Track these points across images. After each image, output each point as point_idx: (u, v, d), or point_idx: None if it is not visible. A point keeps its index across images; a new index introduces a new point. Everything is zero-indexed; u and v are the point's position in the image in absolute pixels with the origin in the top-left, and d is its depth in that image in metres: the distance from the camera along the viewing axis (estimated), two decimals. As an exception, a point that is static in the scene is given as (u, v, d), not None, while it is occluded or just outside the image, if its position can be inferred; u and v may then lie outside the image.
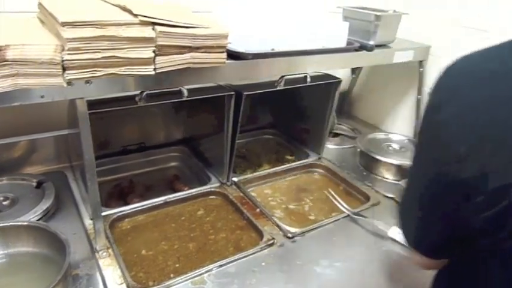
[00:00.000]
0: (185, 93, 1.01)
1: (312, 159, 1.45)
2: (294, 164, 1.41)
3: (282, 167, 1.38)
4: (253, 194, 1.25)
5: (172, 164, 1.41)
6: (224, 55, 0.95)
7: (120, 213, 1.07)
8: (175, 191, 1.22)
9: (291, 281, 0.90)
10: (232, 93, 1.10)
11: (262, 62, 1.07)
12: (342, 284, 0.92)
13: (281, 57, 1.11)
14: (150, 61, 0.85)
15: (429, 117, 0.57)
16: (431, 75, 1.53)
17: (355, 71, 1.82)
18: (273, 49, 1.12)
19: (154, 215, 1.11)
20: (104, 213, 1.04)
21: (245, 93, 1.11)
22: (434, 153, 0.56)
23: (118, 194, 1.22)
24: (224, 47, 0.94)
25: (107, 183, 1.25)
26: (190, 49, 0.90)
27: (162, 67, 0.87)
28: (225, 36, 0.93)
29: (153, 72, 0.86)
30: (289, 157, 1.49)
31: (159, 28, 0.83)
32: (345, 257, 1.01)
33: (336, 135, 1.69)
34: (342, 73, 1.81)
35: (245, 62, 1.04)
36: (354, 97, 1.91)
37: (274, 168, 1.37)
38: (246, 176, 1.30)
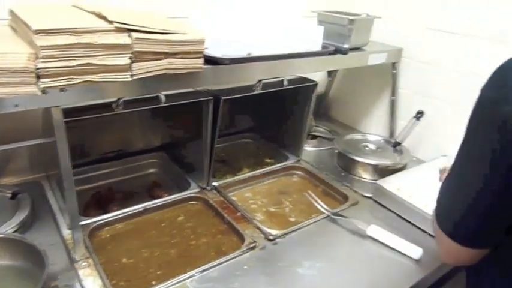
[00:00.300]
0: (163, 99, 1.01)
1: (291, 161, 1.46)
2: (273, 167, 1.42)
3: (262, 170, 1.39)
4: (233, 198, 1.25)
5: (152, 170, 1.40)
6: (201, 60, 0.95)
7: (99, 222, 1.06)
8: (155, 197, 1.21)
9: (273, 283, 0.91)
10: (211, 98, 1.11)
11: (239, 67, 1.08)
12: (324, 284, 0.93)
13: (258, 61, 1.12)
14: (127, 68, 0.85)
15: (492, 109, 0.59)
16: (404, 76, 1.57)
17: (331, 73, 1.85)
18: (249, 54, 1.13)
19: (134, 222, 1.10)
20: (82, 223, 1.02)
21: (223, 97, 1.12)
22: (501, 141, 0.58)
23: (97, 202, 1.20)
24: (201, 52, 0.94)
25: (85, 192, 1.23)
26: (167, 55, 0.90)
27: (138, 73, 0.87)
28: (202, 42, 0.93)
29: (130, 79, 0.85)
30: (268, 160, 1.50)
31: (135, 35, 0.83)
32: (326, 257, 1.02)
33: (314, 137, 1.71)
34: (319, 76, 1.84)
35: (222, 67, 1.04)
36: (330, 99, 1.94)
37: (253, 172, 1.37)
38: (226, 181, 1.30)
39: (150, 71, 0.89)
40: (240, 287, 0.89)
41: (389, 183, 1.26)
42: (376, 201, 1.26)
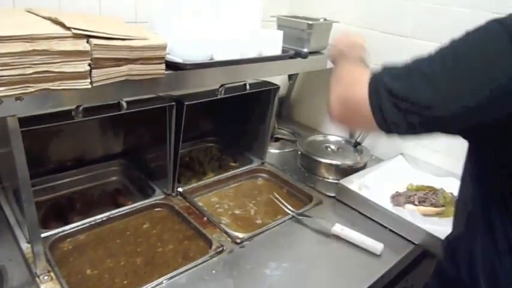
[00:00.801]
0: (124, 105, 0.99)
1: (255, 164, 1.47)
2: (238, 170, 1.42)
3: (227, 174, 1.39)
4: (199, 203, 1.25)
5: (114, 178, 1.37)
6: (163, 66, 0.94)
7: (61, 234, 1.02)
8: (118, 206, 1.19)
9: (241, 286, 0.92)
10: (173, 103, 1.10)
11: (202, 72, 1.09)
12: (291, 284, 0.95)
13: (220, 66, 1.13)
14: (86, 75, 0.83)
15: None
16: (362, 78, 1.63)
17: (291, 77, 1.88)
18: (211, 58, 1.13)
19: (97, 232, 1.07)
20: (42, 235, 0.98)
21: (186, 103, 1.11)
22: None
23: (57, 213, 1.16)
24: (163, 58, 0.94)
25: (44, 202, 1.19)
26: (128, 61, 0.89)
27: (98, 80, 0.85)
28: (164, 47, 0.93)
29: (89, 86, 0.84)
30: (233, 164, 1.51)
31: (94, 41, 0.82)
32: (292, 256, 1.04)
33: (277, 139, 1.74)
34: (280, 79, 1.87)
35: (184, 72, 1.04)
36: (292, 102, 1.98)
37: (219, 176, 1.37)
38: (191, 186, 1.29)
39: (111, 78, 0.87)
40: (209, 292, 0.89)
41: (351, 183, 1.30)
42: (339, 200, 1.30)
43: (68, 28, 0.80)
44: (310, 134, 1.70)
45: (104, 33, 0.85)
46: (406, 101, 0.65)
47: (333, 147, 1.56)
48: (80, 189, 1.29)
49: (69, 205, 1.21)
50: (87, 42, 0.82)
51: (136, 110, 1.02)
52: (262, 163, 1.49)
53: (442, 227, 1.07)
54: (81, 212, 1.17)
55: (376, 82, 0.69)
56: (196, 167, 1.47)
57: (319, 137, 1.63)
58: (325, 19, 1.48)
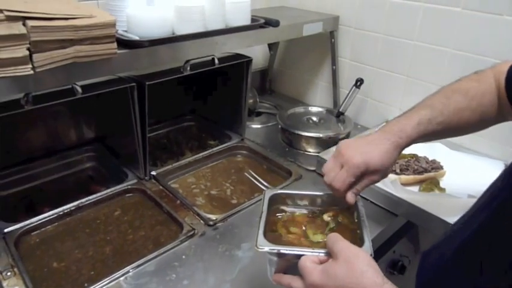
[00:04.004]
0: (79, 90, 0.94)
1: (234, 141, 1.42)
2: (216, 149, 1.37)
3: (204, 153, 1.34)
4: (174, 185, 1.21)
5: (88, 165, 1.32)
6: (114, 45, 0.89)
7: (27, 227, 0.99)
8: (91, 194, 1.15)
9: (211, 270, 0.88)
10: (133, 84, 1.04)
11: (162, 48, 1.03)
12: (263, 265, 0.92)
13: (183, 41, 1.06)
14: (26, 60, 0.78)
15: None
16: (343, 45, 1.55)
17: (271, 47, 1.81)
18: (173, 33, 1.07)
19: (66, 223, 1.04)
20: (7, 229, 0.96)
21: (147, 82, 1.05)
22: None
23: (27, 205, 1.13)
24: (113, 36, 0.88)
25: (15, 195, 1.16)
26: (73, 42, 0.83)
27: (42, 65, 0.80)
28: (112, 25, 0.87)
29: (31, 72, 0.79)
30: (211, 142, 1.46)
31: (30, 22, 0.76)
32: (268, 236, 1.00)
33: (259, 113, 1.68)
34: (260, 50, 1.80)
35: (142, 50, 0.99)
36: (274, 73, 1.90)
37: (195, 156, 1.32)
38: (166, 168, 1.24)
39: (55, 62, 0.82)
40: (177, 278, 0.86)
41: (330, 154, 1.25)
42: (319, 174, 1.25)
43: (1, 11, 0.74)
44: (294, 105, 1.63)
45: (42, 13, 0.79)
46: None
47: (314, 118, 1.50)
48: (52, 179, 1.25)
49: (41, 196, 1.17)
50: (23, 24, 0.76)
51: (91, 94, 0.97)
52: (242, 139, 1.43)
53: (421, 197, 1.03)
54: (53, 203, 1.13)
55: None
56: (174, 148, 1.42)
57: (300, 109, 1.56)
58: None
